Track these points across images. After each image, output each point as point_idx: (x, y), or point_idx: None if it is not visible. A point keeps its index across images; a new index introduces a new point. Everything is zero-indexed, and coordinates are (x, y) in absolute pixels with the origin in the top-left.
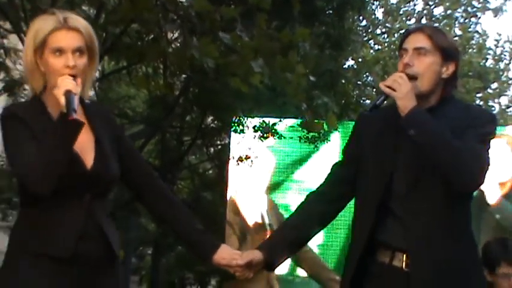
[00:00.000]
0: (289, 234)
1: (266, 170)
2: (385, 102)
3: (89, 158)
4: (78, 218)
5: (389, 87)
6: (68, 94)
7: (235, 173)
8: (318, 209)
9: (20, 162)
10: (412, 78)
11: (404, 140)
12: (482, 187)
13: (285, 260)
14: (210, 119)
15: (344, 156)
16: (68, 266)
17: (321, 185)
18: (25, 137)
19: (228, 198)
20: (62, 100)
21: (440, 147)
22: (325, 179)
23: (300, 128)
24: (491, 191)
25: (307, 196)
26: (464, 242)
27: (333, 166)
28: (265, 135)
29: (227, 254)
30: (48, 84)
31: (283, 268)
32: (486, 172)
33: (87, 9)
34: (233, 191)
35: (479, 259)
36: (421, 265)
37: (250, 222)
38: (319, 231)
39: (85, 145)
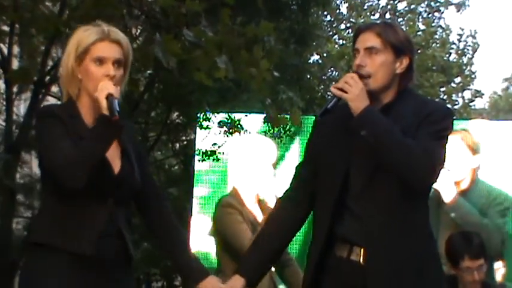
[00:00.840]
0: (266, 247)
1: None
2: (338, 104)
3: (116, 164)
4: (101, 219)
5: (340, 89)
6: (111, 97)
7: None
8: (289, 213)
9: (57, 154)
10: (365, 77)
11: (358, 140)
12: (438, 186)
13: (267, 271)
14: (175, 114)
15: (304, 156)
16: (88, 264)
17: (287, 189)
18: (62, 134)
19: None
20: (104, 103)
21: (392, 146)
22: (291, 181)
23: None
24: (447, 189)
25: (276, 203)
26: (421, 238)
27: (296, 167)
28: (230, 130)
29: (211, 285)
30: (84, 91)
31: None
32: (440, 168)
33: (51, 5)
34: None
35: (437, 255)
36: (378, 260)
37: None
38: (295, 235)
39: (113, 153)
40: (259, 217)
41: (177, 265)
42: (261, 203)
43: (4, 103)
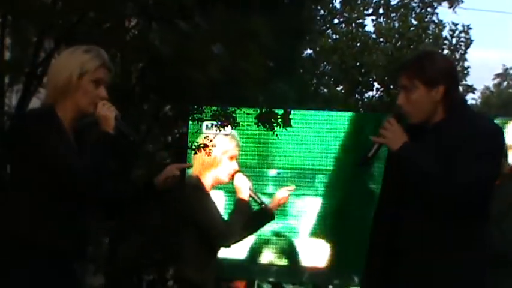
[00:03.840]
0: None
1: None
2: (379, 151)
3: None
4: (82, 219)
5: (379, 135)
6: (119, 119)
7: None
8: None
9: (68, 162)
10: (404, 116)
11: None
12: None
13: None
14: (167, 107)
15: None
16: (71, 259)
17: None
18: (68, 144)
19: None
20: (112, 122)
21: (424, 180)
22: None
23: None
24: None
25: None
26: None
27: None
28: (223, 124)
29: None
30: (74, 103)
31: None
32: (480, 187)
33: None
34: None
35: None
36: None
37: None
38: None
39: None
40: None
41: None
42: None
43: None
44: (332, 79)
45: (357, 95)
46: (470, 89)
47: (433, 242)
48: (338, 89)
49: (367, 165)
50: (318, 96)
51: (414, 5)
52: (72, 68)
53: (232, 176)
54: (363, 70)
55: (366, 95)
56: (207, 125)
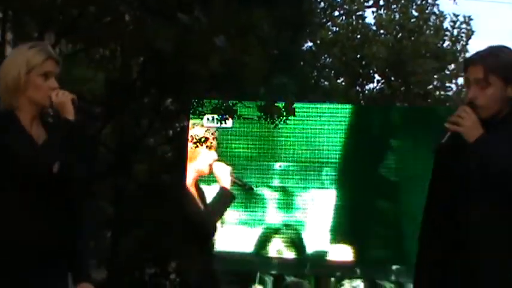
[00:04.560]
0: None
1: None
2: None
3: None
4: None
5: (454, 123)
6: (76, 101)
7: None
8: None
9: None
10: (478, 108)
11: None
12: None
13: None
14: (168, 101)
15: None
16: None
17: None
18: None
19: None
20: (70, 106)
21: (498, 170)
22: None
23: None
24: None
25: None
26: None
27: None
28: (224, 116)
29: None
30: (27, 99)
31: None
32: None
33: None
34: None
35: None
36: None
37: None
38: None
39: None
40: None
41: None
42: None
43: None
44: (333, 71)
45: (357, 87)
46: None
47: (499, 235)
48: (339, 81)
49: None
50: (318, 88)
51: None
52: (19, 66)
53: (212, 166)
54: (363, 62)
55: (367, 87)
56: (207, 118)
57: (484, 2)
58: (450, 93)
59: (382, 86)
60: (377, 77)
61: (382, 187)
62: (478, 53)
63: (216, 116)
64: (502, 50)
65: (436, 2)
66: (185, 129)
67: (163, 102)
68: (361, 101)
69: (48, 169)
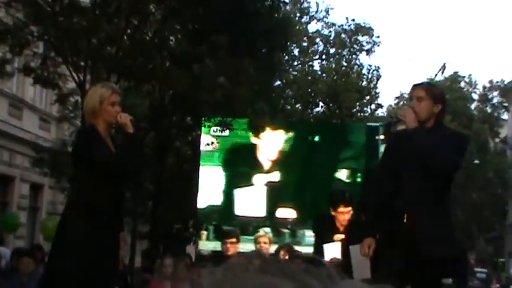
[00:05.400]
0: None
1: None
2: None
3: None
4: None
5: (402, 115)
6: (133, 120)
7: None
8: None
9: (108, 157)
10: (416, 113)
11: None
12: None
13: None
14: (188, 118)
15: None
16: (107, 217)
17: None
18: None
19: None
20: (130, 124)
21: (427, 153)
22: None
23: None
24: None
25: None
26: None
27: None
28: (223, 128)
29: None
30: (102, 119)
31: None
32: (457, 167)
33: (109, 48)
34: None
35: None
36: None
37: None
38: None
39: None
40: None
41: None
42: None
43: (81, 111)
44: (293, 100)
45: (309, 110)
46: (380, 106)
47: (426, 197)
48: (297, 106)
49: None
50: (284, 111)
51: (344, 53)
52: (95, 98)
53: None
54: (312, 94)
55: (315, 110)
56: (213, 130)
57: (391, 58)
58: (366, 114)
59: (324, 110)
60: (321, 103)
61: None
62: (421, 82)
63: (218, 128)
64: (434, 84)
65: (358, 57)
66: (198, 136)
67: (185, 119)
68: (311, 119)
69: (121, 164)
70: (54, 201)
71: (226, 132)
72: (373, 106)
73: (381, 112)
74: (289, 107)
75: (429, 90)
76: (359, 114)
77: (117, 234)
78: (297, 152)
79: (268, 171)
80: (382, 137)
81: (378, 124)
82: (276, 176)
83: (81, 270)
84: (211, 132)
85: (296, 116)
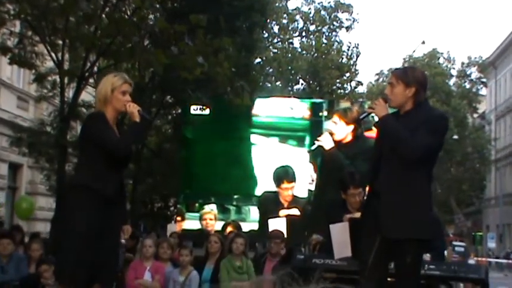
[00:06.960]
0: None
1: None
2: (367, 117)
3: None
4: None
5: (370, 107)
6: (140, 111)
7: None
8: None
9: (115, 140)
10: (387, 100)
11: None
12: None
13: None
14: (168, 97)
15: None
16: (107, 200)
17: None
18: (111, 130)
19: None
20: (137, 114)
21: (394, 138)
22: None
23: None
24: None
25: None
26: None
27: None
28: (203, 107)
29: None
30: (112, 107)
31: None
32: (427, 150)
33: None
34: None
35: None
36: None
37: None
38: None
39: None
40: None
41: None
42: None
43: (59, 90)
44: (273, 77)
45: (289, 87)
46: (360, 83)
47: (399, 180)
48: (277, 83)
49: (359, 123)
50: (264, 89)
51: (324, 30)
52: (107, 87)
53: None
54: (292, 71)
55: (295, 87)
56: (193, 108)
57: (368, 33)
58: (346, 91)
59: (304, 87)
60: (301, 81)
61: None
62: (396, 68)
63: (198, 106)
64: (410, 68)
65: (338, 34)
66: (179, 115)
67: (165, 97)
68: (291, 96)
69: (125, 150)
70: (33, 181)
71: (206, 111)
72: (353, 83)
73: (361, 89)
74: (269, 84)
75: (399, 75)
76: (339, 91)
77: (119, 220)
78: (243, 127)
79: (223, 149)
80: (325, 113)
81: (321, 100)
82: (225, 153)
83: (88, 227)
84: (192, 111)
85: (276, 93)
